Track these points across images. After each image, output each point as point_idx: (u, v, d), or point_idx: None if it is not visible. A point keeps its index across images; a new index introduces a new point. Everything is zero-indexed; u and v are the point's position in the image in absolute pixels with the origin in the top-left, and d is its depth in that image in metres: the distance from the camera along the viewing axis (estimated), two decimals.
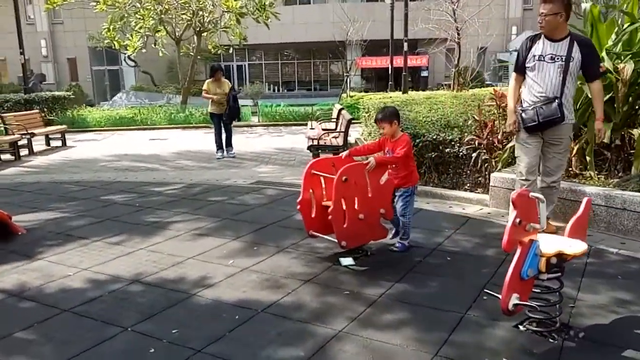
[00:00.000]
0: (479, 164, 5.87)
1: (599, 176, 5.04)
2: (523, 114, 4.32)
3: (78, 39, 29.92)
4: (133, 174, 8.42)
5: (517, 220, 2.58)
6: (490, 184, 5.47)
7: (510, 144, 5.56)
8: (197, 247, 4.51)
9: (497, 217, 5.16)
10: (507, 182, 5.30)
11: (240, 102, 18.56)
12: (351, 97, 17.74)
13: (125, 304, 3.41)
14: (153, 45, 19.12)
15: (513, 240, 2.60)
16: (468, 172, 6.08)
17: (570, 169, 5.26)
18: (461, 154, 6.05)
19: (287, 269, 3.94)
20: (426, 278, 3.72)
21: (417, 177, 4.22)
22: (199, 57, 20.29)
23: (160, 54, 19.13)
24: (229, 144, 9.93)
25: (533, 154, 4.38)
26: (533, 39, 4.34)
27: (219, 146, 9.81)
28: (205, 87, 9.65)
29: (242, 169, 8.73)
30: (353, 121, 9.07)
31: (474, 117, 6.25)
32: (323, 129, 9.86)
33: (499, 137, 5.89)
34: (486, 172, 5.90)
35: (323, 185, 4.13)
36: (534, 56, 4.26)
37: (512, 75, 4.61)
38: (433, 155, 6.23)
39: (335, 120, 10.29)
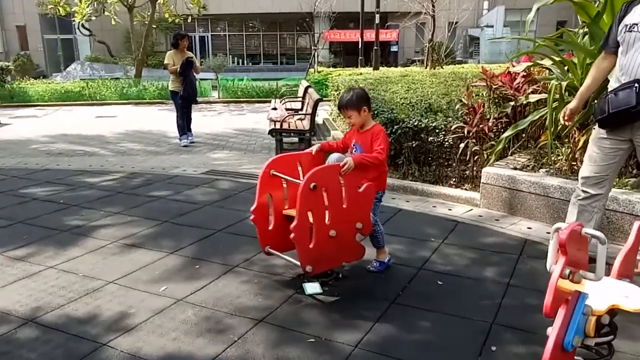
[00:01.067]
0: (468, 156, 5.05)
1: None
2: (596, 104, 3.30)
3: (27, 5, 27.42)
4: (67, 160, 7.27)
5: (567, 271, 1.74)
6: (482, 180, 4.67)
7: (506, 134, 4.75)
8: (123, 264, 3.55)
9: (491, 221, 4.36)
10: (501, 178, 4.50)
11: (202, 75, 17.29)
12: (319, 72, 16.69)
13: None
14: (104, 13, 17.48)
15: (560, 298, 1.76)
16: (454, 164, 5.26)
17: (574, 164, 4.50)
18: (447, 143, 5.21)
19: (234, 300, 3.04)
20: (414, 314, 2.88)
21: (386, 180, 3.36)
22: (158, 27, 18.75)
23: (113, 22, 17.54)
24: (188, 128, 8.51)
25: (606, 160, 3.20)
26: (630, 4, 3.09)
27: (183, 130, 8.34)
28: (167, 60, 8.06)
29: (195, 154, 7.68)
30: (323, 100, 8.12)
31: (460, 100, 5.40)
32: (287, 109, 8.87)
33: (490, 124, 5.07)
34: (475, 166, 5.10)
35: (285, 189, 3.22)
36: (625, 26, 3.04)
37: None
38: (414, 145, 5.37)
39: (301, 99, 9.30)
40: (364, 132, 3.25)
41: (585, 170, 3.32)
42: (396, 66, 18.13)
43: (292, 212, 3.07)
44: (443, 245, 3.88)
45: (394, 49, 31.06)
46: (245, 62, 32.53)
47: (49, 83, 16.46)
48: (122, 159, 7.33)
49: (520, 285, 3.21)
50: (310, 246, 2.91)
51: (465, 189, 5.05)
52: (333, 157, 3.33)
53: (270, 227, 3.21)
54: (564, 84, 4.34)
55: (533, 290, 3.13)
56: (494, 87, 5.34)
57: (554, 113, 4.34)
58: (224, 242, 3.96)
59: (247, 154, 7.61)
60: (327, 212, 2.95)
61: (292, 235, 2.84)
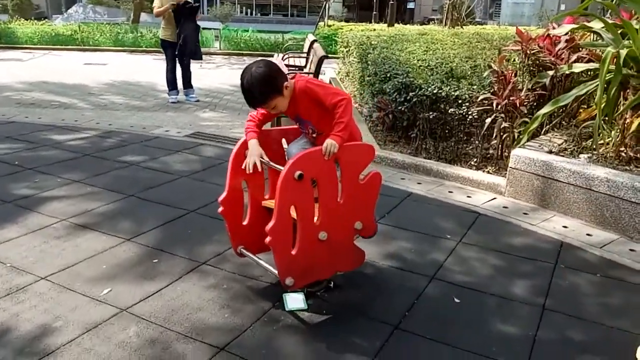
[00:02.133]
0: (495, 134, 4.27)
1: None
2: None
3: None
4: (38, 112, 6.50)
5: None
6: (510, 164, 3.90)
7: (544, 110, 3.95)
8: (64, 253, 2.87)
9: (518, 215, 3.64)
10: (534, 164, 3.74)
11: (207, 24, 16.20)
12: (329, 26, 15.59)
13: None
14: None
15: None
16: (477, 142, 4.48)
17: (622, 149, 3.73)
18: (470, 117, 4.42)
19: (194, 314, 2.37)
20: (423, 348, 2.20)
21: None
22: None
23: None
24: (187, 84, 7.49)
25: None
26: None
27: (173, 85, 7.36)
28: (156, 3, 6.99)
29: (183, 112, 6.89)
30: (328, 57, 7.23)
31: (489, 66, 4.56)
32: (290, 66, 8.00)
33: (522, 97, 4.26)
34: (502, 145, 4.33)
35: (264, 174, 2.49)
36: None
37: None
38: (431, 116, 4.58)
39: (305, 55, 8.41)
40: (295, 102, 2.38)
41: None
42: (412, 24, 16.94)
43: (273, 202, 2.34)
44: (461, 245, 3.17)
45: (410, 5, 29.60)
46: (254, 12, 31.10)
47: (41, 25, 15.45)
48: (100, 113, 6.55)
49: (559, 309, 2.52)
50: (293, 253, 2.21)
51: (488, 172, 4.29)
52: (295, 149, 2.51)
53: (245, 222, 2.50)
54: (623, 52, 3.51)
55: (574, 318, 2.45)
56: (529, 52, 4.49)
57: (607, 88, 3.54)
58: (194, 227, 3.27)
59: (241, 115, 6.82)
60: (316, 208, 2.23)
61: (268, 240, 2.13)
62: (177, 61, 7.24)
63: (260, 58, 2.51)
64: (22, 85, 8.42)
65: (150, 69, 10.31)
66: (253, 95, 2.30)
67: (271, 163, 2.34)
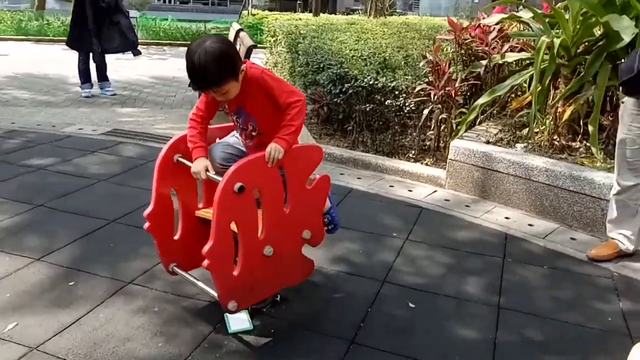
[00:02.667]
0: (432, 125, 4.19)
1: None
2: (621, 62, 2.64)
3: None
4: None
5: None
6: (450, 156, 3.84)
7: (481, 100, 3.92)
8: None
9: (460, 208, 3.58)
10: (473, 155, 3.71)
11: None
12: (253, 15, 15.13)
13: None
14: None
15: None
16: (414, 134, 4.40)
17: (555, 138, 3.78)
18: (407, 108, 4.32)
19: (122, 346, 2.04)
20: None
21: None
22: None
23: None
24: (102, 76, 6.84)
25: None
26: None
27: (86, 77, 6.68)
28: None
29: (98, 107, 6.29)
30: (257, 47, 6.88)
31: (424, 56, 4.48)
32: None
33: (457, 87, 4.22)
34: (438, 137, 4.27)
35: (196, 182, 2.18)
36: None
37: None
38: (368, 108, 4.43)
39: None
40: (243, 92, 2.03)
41: (618, 157, 2.67)
42: (335, 14, 16.86)
43: (209, 213, 2.05)
44: (408, 243, 3.05)
45: None
46: (172, 0, 29.82)
47: None
48: (1, 110, 5.81)
49: (514, 307, 2.46)
50: (235, 273, 1.94)
51: (427, 164, 4.22)
52: (218, 152, 2.16)
53: (177, 237, 2.19)
54: (557, 41, 3.53)
55: (530, 316, 2.39)
56: (462, 42, 4.46)
57: (542, 77, 3.55)
58: (117, 239, 2.89)
59: (163, 109, 6.34)
60: (260, 220, 1.97)
61: (205, 263, 1.85)
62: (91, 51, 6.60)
63: (205, 35, 2.17)
64: None
65: (60, 60, 9.40)
66: (207, 75, 1.90)
67: (213, 175, 2.01)
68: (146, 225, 2.12)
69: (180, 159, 2.07)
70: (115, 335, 2.10)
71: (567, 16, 3.77)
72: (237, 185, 1.79)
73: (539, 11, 4.19)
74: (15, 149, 4.35)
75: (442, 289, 2.58)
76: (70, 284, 2.44)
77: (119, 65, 8.75)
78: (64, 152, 4.33)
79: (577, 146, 3.71)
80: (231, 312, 2.00)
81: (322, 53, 5.07)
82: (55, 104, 6.30)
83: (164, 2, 29.26)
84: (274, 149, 1.89)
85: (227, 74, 1.93)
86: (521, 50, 4.22)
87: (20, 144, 4.48)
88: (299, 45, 5.73)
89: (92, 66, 6.71)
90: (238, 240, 1.93)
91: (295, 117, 1.95)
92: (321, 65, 4.87)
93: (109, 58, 6.95)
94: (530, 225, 3.33)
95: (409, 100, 4.31)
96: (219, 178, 1.85)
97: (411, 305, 2.43)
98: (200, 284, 2.14)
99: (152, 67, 9.70)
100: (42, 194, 3.44)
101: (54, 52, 10.89)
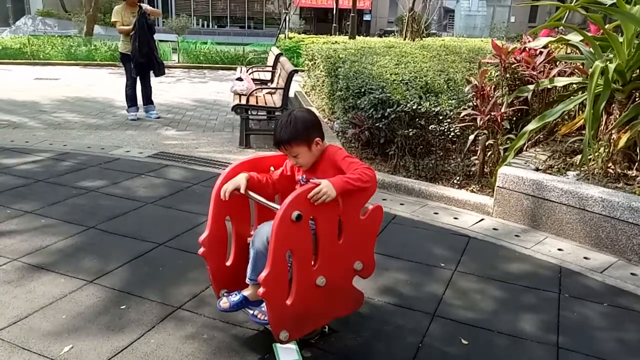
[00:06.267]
0: (479, 151, 4.12)
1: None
2: None
3: None
4: None
5: None
6: (497, 183, 3.75)
7: (531, 126, 3.83)
8: (16, 301, 2.48)
9: (510, 238, 3.48)
10: (523, 183, 3.60)
11: (163, 36, 15.71)
12: (290, 38, 15.39)
13: None
14: None
15: None
16: (458, 159, 4.32)
17: (610, 166, 3.65)
18: (452, 133, 4.26)
19: None
20: None
21: None
22: None
23: None
24: (147, 99, 7.09)
25: None
26: None
27: (132, 101, 6.95)
28: (114, 17, 6.64)
29: (143, 130, 6.47)
30: (298, 71, 6.98)
31: (468, 81, 4.43)
32: (255, 80, 7.72)
33: (502, 112, 4.14)
34: (485, 163, 4.19)
35: (249, 206, 2.19)
36: None
37: None
38: (410, 133, 4.39)
39: (271, 68, 8.15)
40: (317, 166, 2.11)
41: None
42: (370, 36, 16.98)
43: None
44: (457, 274, 2.96)
45: (366, 17, 29.90)
46: (210, 24, 30.69)
47: None
48: (54, 133, 6.06)
49: (574, 348, 2.33)
50: (288, 303, 1.92)
51: (472, 191, 4.14)
52: (267, 229, 2.01)
53: (229, 263, 2.20)
54: (612, 66, 3.43)
55: (593, 358, 2.26)
56: (508, 66, 4.39)
57: (596, 103, 3.45)
58: (166, 263, 2.93)
59: (206, 132, 6.47)
60: (315, 251, 1.95)
61: (261, 291, 1.84)
62: (137, 76, 6.84)
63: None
64: None
65: (107, 84, 9.78)
66: (282, 131, 2.02)
67: (257, 197, 2.04)
68: (201, 250, 2.13)
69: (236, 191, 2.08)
70: None
71: (620, 39, 3.67)
72: (295, 213, 1.79)
73: (589, 34, 4.10)
74: (67, 171, 4.49)
75: (496, 325, 2.48)
76: (122, 307, 2.47)
77: (162, 89, 9.01)
78: (114, 174, 4.45)
79: (634, 174, 3.57)
80: (282, 342, 1.98)
81: (362, 77, 5.08)
82: (104, 127, 6.52)
83: (202, 25, 30.11)
84: (326, 187, 1.87)
85: (306, 136, 2.02)
86: (571, 74, 4.12)
87: (72, 166, 4.64)
88: (339, 70, 5.77)
89: (138, 90, 6.94)
90: (292, 272, 1.92)
91: (360, 175, 1.94)
92: (362, 90, 4.88)
93: (153, 82, 7.17)
94: (586, 258, 3.20)
95: (454, 126, 4.25)
96: (277, 206, 1.85)
97: (464, 341, 2.35)
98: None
99: (194, 90, 9.94)
100: (93, 216, 3.53)
101: (101, 76, 11.33)
